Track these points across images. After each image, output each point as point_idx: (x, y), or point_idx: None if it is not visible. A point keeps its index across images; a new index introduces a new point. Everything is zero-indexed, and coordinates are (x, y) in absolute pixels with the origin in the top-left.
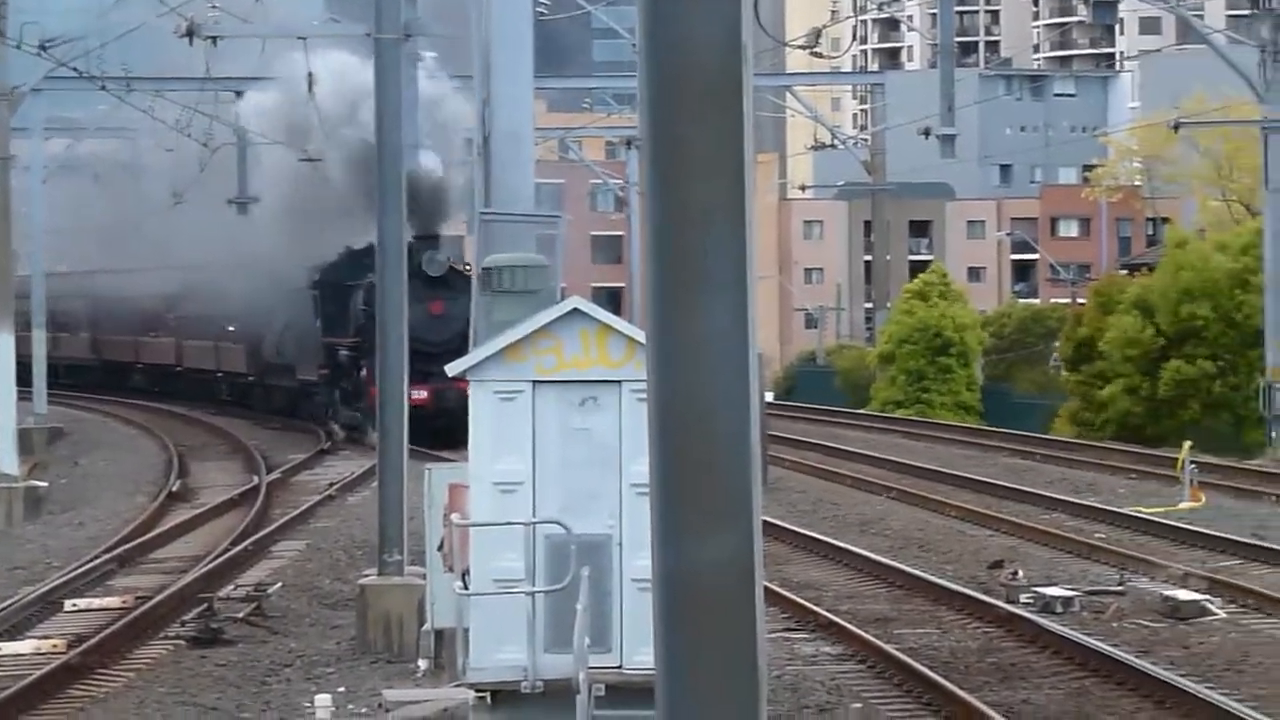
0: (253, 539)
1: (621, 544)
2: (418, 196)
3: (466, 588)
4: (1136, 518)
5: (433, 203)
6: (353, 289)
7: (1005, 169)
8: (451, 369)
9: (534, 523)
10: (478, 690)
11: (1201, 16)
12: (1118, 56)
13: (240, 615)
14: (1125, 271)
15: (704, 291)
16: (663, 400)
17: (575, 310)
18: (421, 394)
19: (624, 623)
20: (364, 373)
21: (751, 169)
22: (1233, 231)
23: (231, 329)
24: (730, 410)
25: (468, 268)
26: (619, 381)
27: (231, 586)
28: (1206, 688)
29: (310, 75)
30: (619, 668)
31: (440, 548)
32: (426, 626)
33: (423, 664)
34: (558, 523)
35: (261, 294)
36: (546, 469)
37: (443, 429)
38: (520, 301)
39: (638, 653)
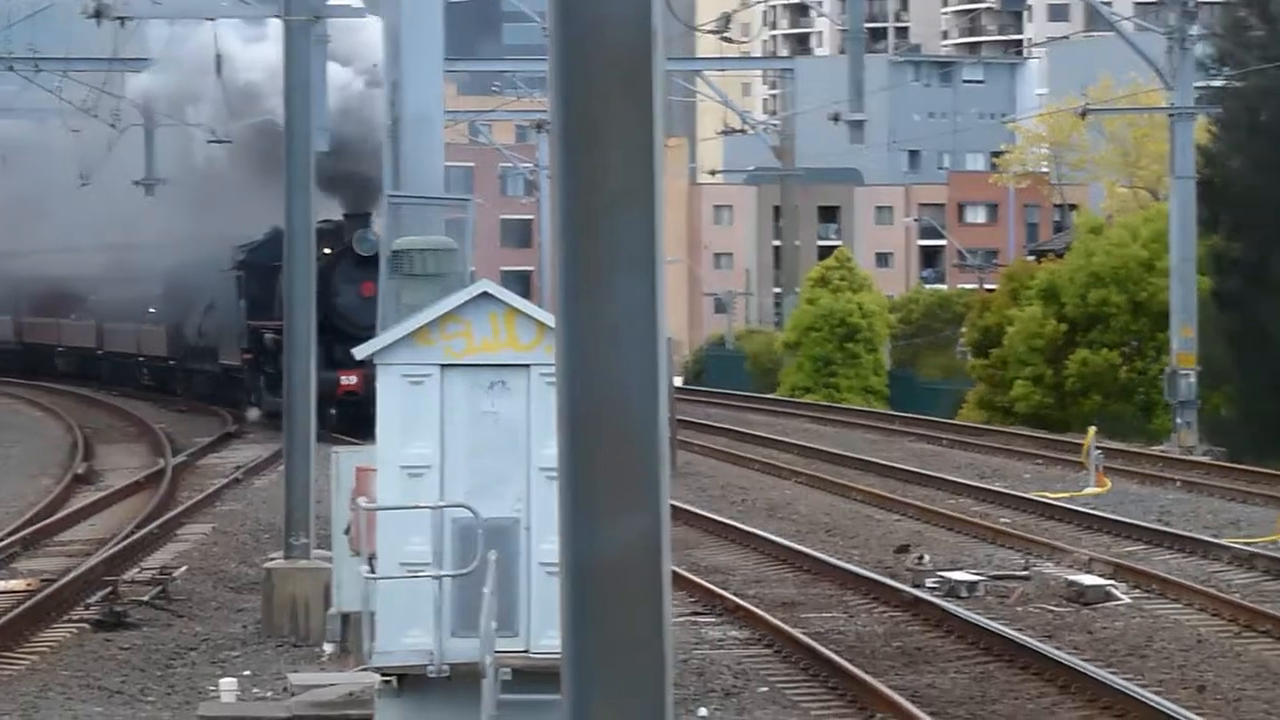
0: (158, 522)
1: (529, 528)
2: (351, 173)
3: (373, 571)
4: (1042, 503)
5: (365, 179)
6: (279, 270)
7: (914, 155)
8: (359, 352)
9: (441, 506)
10: (384, 674)
11: (1109, 4)
12: (1026, 43)
13: (145, 599)
14: (1033, 257)
15: (613, 275)
16: (571, 384)
17: (484, 294)
18: (353, 379)
19: (531, 607)
20: None
21: (661, 153)
22: (1140, 215)
23: (153, 311)
24: (639, 394)
25: None
26: (528, 365)
27: (137, 570)
28: (1110, 672)
29: (219, 56)
30: (526, 651)
31: (347, 531)
32: (332, 610)
33: (328, 648)
34: (465, 507)
35: (183, 275)
36: (454, 453)
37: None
38: (429, 285)
39: (544, 636)
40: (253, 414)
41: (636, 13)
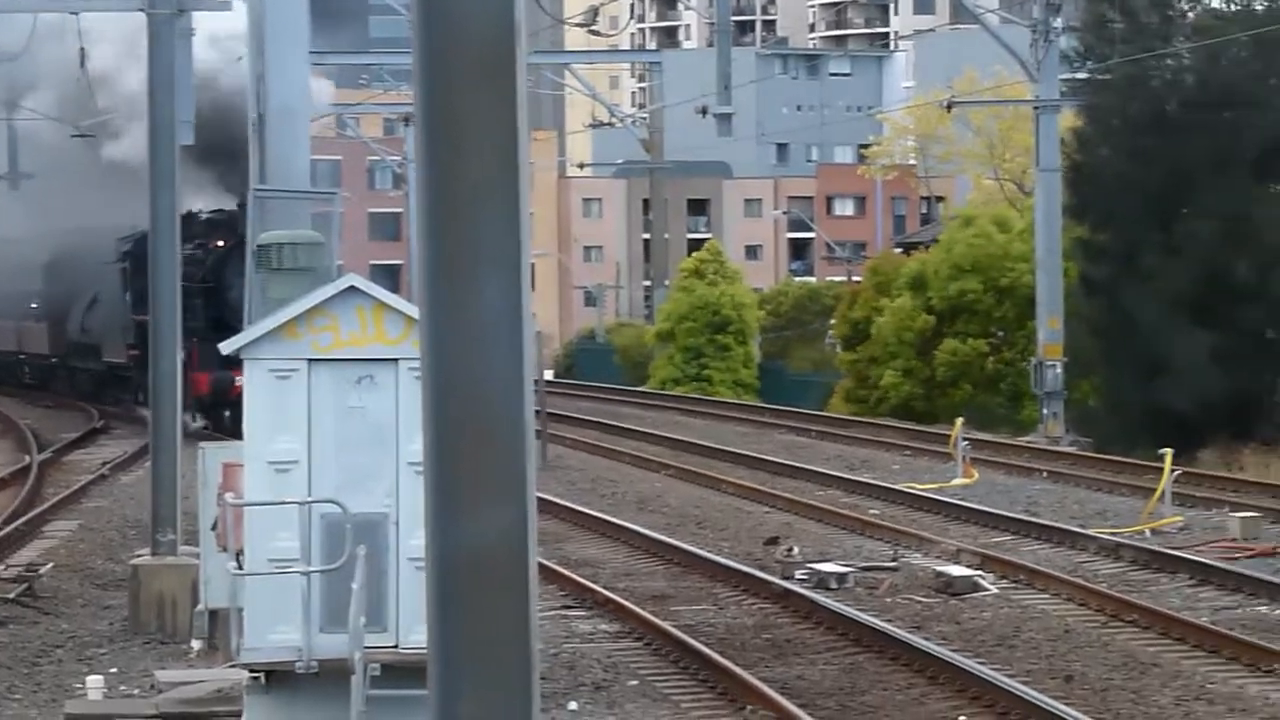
0: (24, 519)
1: (398, 523)
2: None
3: (240, 568)
4: (910, 494)
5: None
6: None
7: (782, 148)
8: (225, 347)
9: (309, 502)
10: (252, 670)
11: None
12: (892, 36)
13: (10, 596)
14: (900, 250)
15: (477, 268)
16: (437, 377)
17: (351, 288)
18: None
19: (400, 602)
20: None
21: (525, 146)
22: (1004, 209)
23: (35, 306)
24: (505, 386)
25: None
26: (396, 360)
27: (2, 567)
28: (978, 662)
29: (83, 50)
30: (395, 647)
31: (214, 527)
32: (200, 607)
33: (196, 644)
34: (333, 502)
35: (63, 269)
36: (322, 448)
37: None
38: (296, 279)
39: (414, 632)
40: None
41: (499, 6)
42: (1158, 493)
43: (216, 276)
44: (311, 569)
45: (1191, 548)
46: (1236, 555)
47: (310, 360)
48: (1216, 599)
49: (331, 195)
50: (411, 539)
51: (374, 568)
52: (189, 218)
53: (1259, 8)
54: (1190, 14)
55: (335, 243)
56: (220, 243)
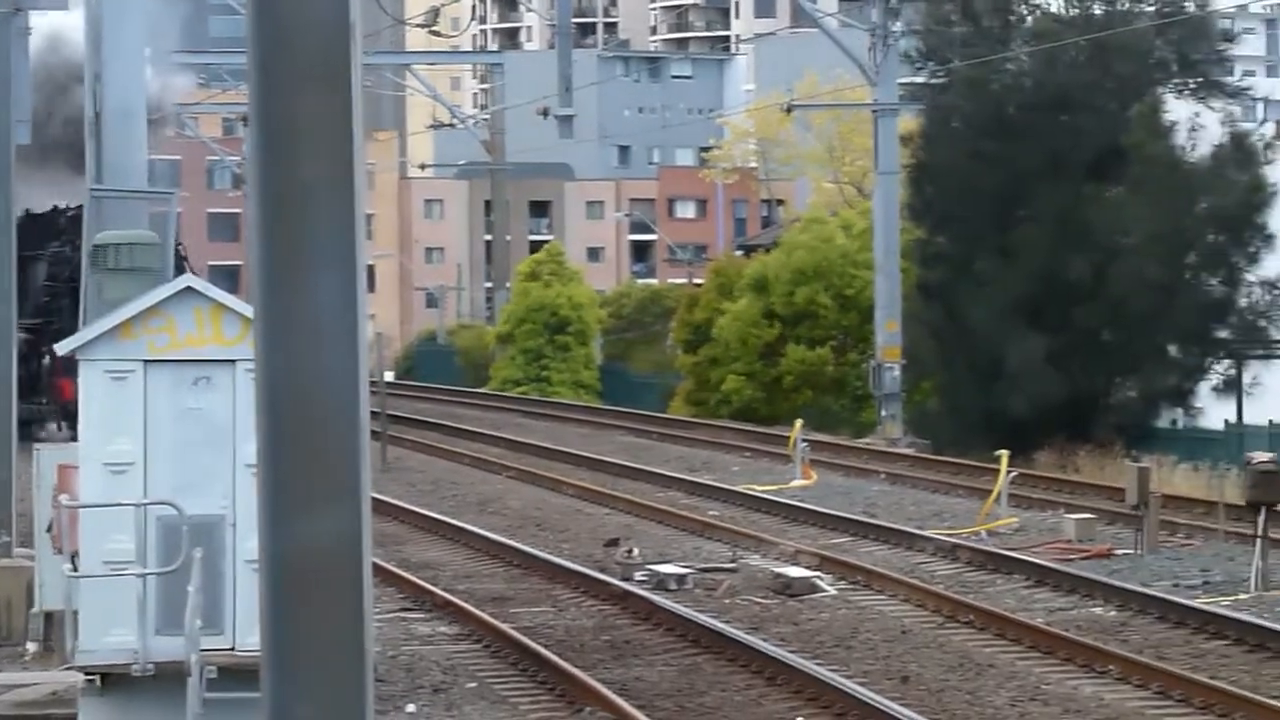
0: None
1: (235, 525)
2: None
3: (76, 570)
4: (750, 495)
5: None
6: (32, 260)
7: (624, 150)
8: (60, 348)
9: (145, 504)
10: (87, 673)
11: (814, 0)
12: (733, 39)
13: None
14: (742, 252)
15: (312, 268)
16: (271, 377)
17: (188, 288)
18: None
19: (237, 604)
20: (47, 360)
21: (360, 146)
22: (848, 211)
23: None
24: (339, 387)
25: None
26: (233, 361)
27: None
28: (816, 663)
29: None
30: (231, 649)
31: (49, 529)
32: (35, 609)
33: (31, 647)
34: (170, 504)
35: None
36: (159, 449)
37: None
38: (132, 279)
39: (250, 634)
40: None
41: (333, 7)
42: (994, 494)
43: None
44: (147, 571)
45: (1027, 549)
46: (1071, 557)
47: (146, 361)
48: (1051, 600)
49: (168, 195)
50: (248, 541)
51: (210, 570)
52: (54, 214)
53: (1098, 12)
54: (1030, 18)
55: (171, 243)
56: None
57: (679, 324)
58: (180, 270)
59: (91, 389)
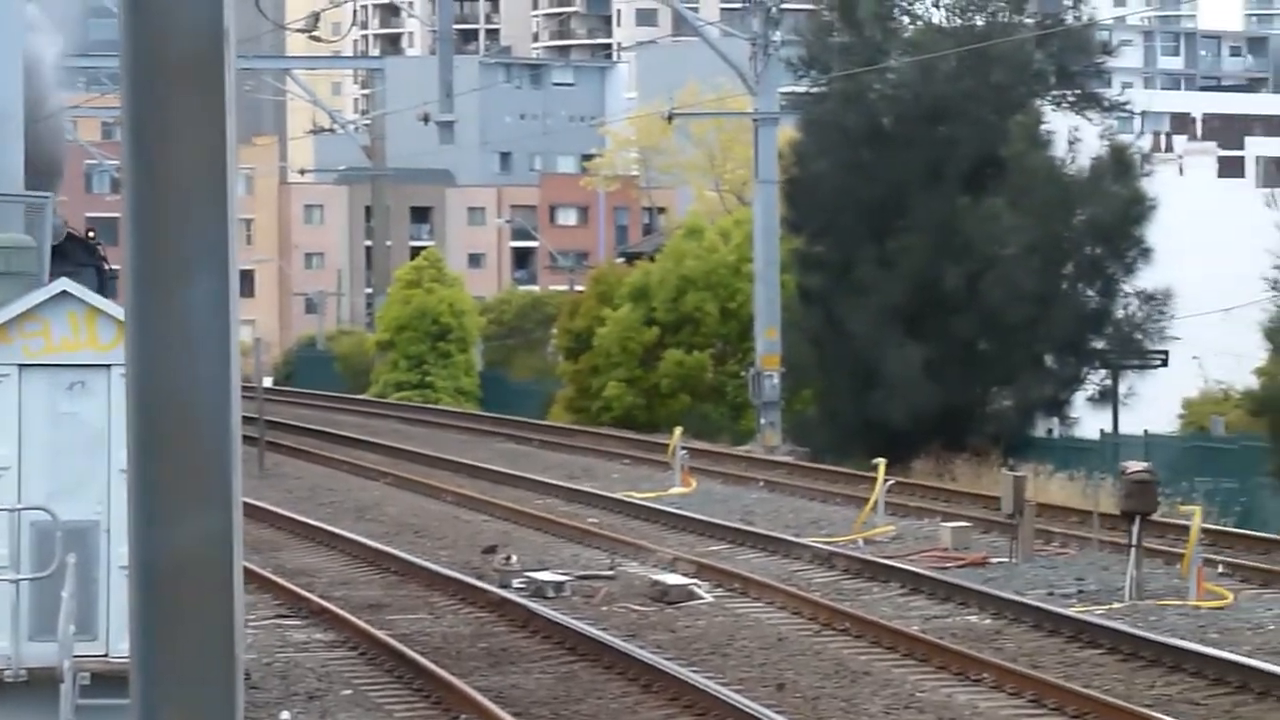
0: None
1: (109, 530)
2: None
3: None
4: (629, 503)
5: (52, 159)
6: None
7: (506, 156)
8: None
9: (18, 509)
10: None
11: (695, 9)
12: (615, 47)
13: None
14: (623, 260)
15: (184, 273)
16: (141, 382)
17: (64, 293)
18: None
19: (110, 610)
20: None
21: (233, 152)
22: (730, 219)
23: None
24: (210, 393)
25: (92, 235)
26: (109, 365)
27: None
28: (692, 671)
29: None
30: (105, 656)
31: None
32: None
33: None
34: (43, 509)
35: None
36: (33, 454)
37: None
38: (7, 283)
39: (124, 640)
40: None
41: (208, 10)
42: (871, 502)
43: None
44: (21, 577)
45: (903, 557)
46: (947, 564)
47: (21, 365)
48: (927, 608)
49: (43, 199)
50: (122, 546)
51: (84, 576)
52: None
53: (979, 23)
54: (911, 28)
55: (47, 246)
56: None
57: (560, 331)
58: (100, 260)
59: None
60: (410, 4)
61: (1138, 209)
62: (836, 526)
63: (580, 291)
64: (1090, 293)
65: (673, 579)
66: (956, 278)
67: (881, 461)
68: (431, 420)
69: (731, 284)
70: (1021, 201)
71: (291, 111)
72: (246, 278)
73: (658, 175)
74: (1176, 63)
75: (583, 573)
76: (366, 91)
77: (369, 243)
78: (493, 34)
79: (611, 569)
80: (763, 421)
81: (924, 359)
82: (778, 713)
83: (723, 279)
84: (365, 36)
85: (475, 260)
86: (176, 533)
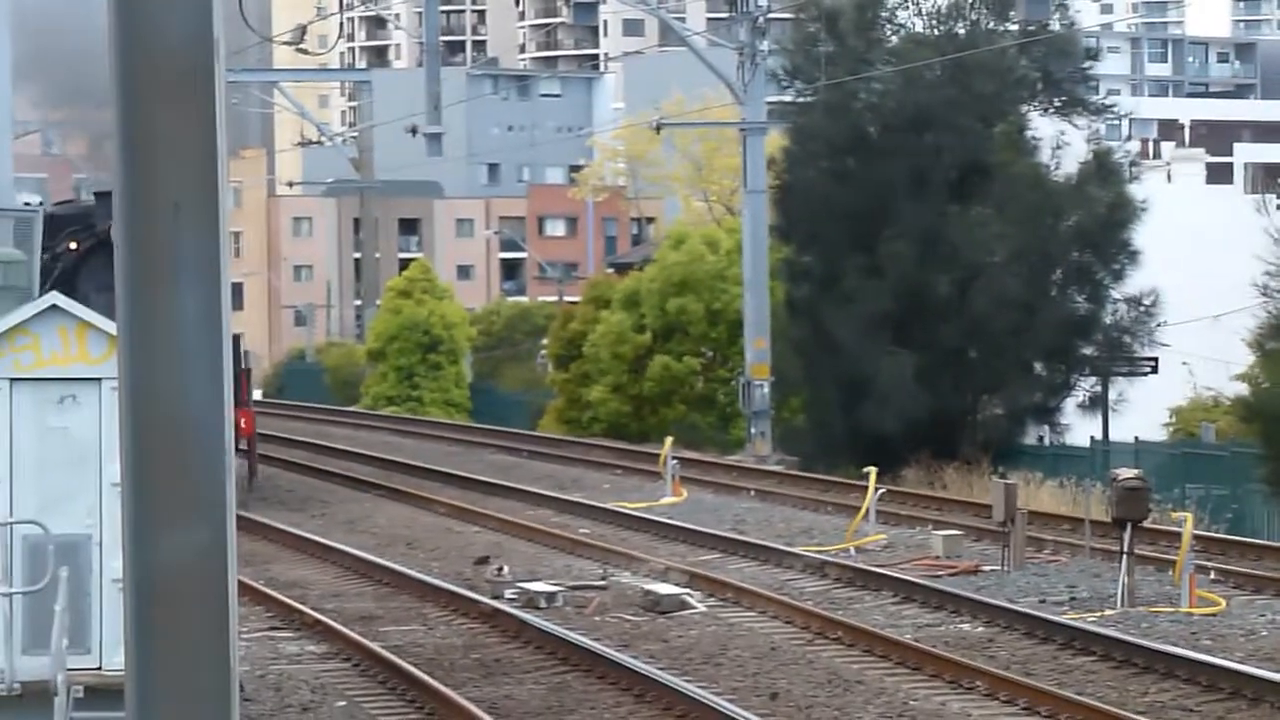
0: None
1: (101, 544)
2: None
3: None
4: (620, 513)
5: None
6: None
7: (493, 168)
8: None
9: (10, 523)
10: None
11: (682, 19)
12: (602, 58)
13: None
14: (613, 270)
15: (175, 286)
16: (133, 395)
17: (54, 306)
18: None
19: (103, 623)
20: None
21: (223, 164)
22: (712, 229)
23: None
24: (202, 404)
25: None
26: (99, 379)
27: None
28: (685, 680)
29: None
30: (98, 669)
31: None
32: None
33: None
34: (35, 523)
35: None
36: (24, 468)
37: None
38: None
39: (117, 654)
40: None
41: (196, 21)
42: (862, 511)
43: (68, 288)
44: (13, 590)
45: (895, 565)
46: (939, 573)
47: (11, 380)
48: (919, 616)
49: (35, 213)
50: (114, 560)
51: (76, 589)
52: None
53: (960, 31)
54: (895, 37)
55: (37, 260)
56: (74, 245)
57: (553, 338)
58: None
59: None
60: (397, 16)
61: (1124, 213)
62: (828, 535)
63: (571, 303)
64: (1079, 299)
65: (665, 589)
66: (944, 286)
67: (872, 470)
68: (422, 432)
69: (716, 286)
70: (1007, 208)
71: (279, 124)
72: (236, 291)
73: (645, 186)
74: (1164, 69)
75: (575, 583)
76: (354, 104)
77: (357, 255)
78: (480, 45)
79: (603, 579)
80: (753, 431)
81: (913, 367)
82: None
83: (706, 281)
84: (352, 49)
85: (464, 272)
86: (170, 545)
